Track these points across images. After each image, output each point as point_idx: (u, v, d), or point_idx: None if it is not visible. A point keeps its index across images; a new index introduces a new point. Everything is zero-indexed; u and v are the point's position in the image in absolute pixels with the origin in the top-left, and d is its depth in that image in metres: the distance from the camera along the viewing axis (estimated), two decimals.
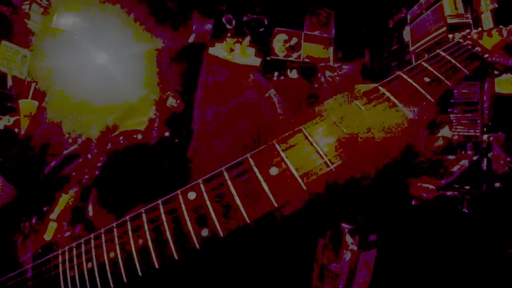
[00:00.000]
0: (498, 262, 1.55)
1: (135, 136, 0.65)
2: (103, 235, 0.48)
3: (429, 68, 0.48)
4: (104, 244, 0.47)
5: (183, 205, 0.43)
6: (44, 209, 0.61)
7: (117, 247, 0.46)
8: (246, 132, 0.72)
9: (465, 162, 1.89)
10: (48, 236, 0.58)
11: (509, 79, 2.10)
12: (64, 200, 0.61)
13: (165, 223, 0.43)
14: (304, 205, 0.44)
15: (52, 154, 0.68)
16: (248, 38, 2.80)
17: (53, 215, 0.60)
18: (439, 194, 1.73)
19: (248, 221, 0.40)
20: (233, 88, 0.77)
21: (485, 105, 2.18)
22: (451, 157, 2.03)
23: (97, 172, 0.63)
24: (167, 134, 0.65)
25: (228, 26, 2.76)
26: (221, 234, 0.41)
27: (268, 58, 2.87)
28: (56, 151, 0.68)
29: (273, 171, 0.42)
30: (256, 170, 0.42)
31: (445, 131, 2.33)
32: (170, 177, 0.62)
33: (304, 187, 0.41)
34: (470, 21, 2.17)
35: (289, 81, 2.80)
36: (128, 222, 0.47)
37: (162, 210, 0.45)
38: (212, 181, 0.44)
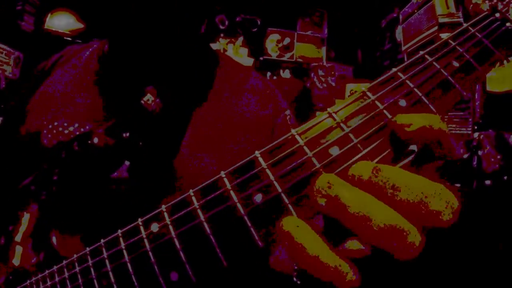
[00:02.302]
0: (488, 259, 1.56)
1: (90, 141, 0.56)
2: (65, 269, 0.44)
3: (458, 48, 0.37)
4: (68, 281, 0.43)
5: (146, 240, 0.36)
6: (10, 228, 0.56)
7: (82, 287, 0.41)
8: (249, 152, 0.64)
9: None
10: (16, 261, 0.53)
11: (499, 78, 2.11)
12: (26, 220, 0.54)
13: (128, 263, 0.37)
14: None
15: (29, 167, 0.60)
16: (241, 39, 2.80)
17: (18, 237, 0.54)
18: None
19: (225, 264, 0.32)
20: (248, 100, 0.69)
21: (477, 103, 2.19)
22: None
23: (54, 188, 0.55)
24: (125, 135, 0.57)
25: (221, 27, 2.77)
26: (193, 279, 0.33)
27: (261, 59, 2.87)
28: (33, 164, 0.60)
29: (258, 197, 0.32)
30: (235, 199, 0.33)
31: None
32: (138, 188, 0.55)
33: None
34: (462, 20, 2.19)
35: (282, 81, 2.80)
36: (89, 257, 0.41)
37: (123, 245, 0.38)
38: (179, 210, 0.35)
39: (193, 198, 0.35)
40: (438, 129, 0.30)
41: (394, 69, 0.36)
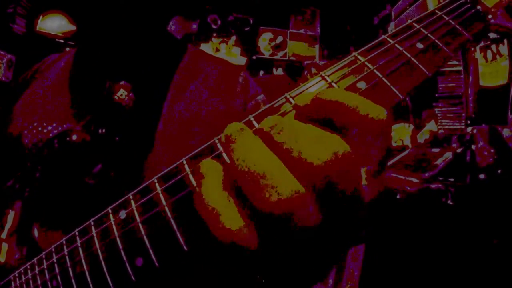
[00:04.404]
0: (483, 253, 1.56)
1: (69, 138, 0.58)
2: (44, 260, 0.44)
3: (423, 31, 0.38)
4: (46, 271, 0.44)
5: (114, 227, 0.37)
6: None
7: (58, 276, 0.42)
8: None
9: (449, 155, 1.90)
10: (2, 258, 0.54)
11: (492, 72, 2.12)
12: (11, 217, 0.56)
13: (98, 250, 0.38)
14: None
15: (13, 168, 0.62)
16: (233, 38, 2.80)
17: (3, 235, 0.55)
18: (423, 187, 1.74)
19: (186, 249, 0.32)
20: (218, 89, 0.71)
21: (470, 98, 2.20)
22: (435, 150, 2.04)
23: (36, 184, 0.57)
24: (101, 131, 0.58)
25: (214, 26, 2.77)
26: (157, 264, 0.34)
27: (254, 58, 2.88)
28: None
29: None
30: (194, 183, 0.33)
31: (431, 125, 2.35)
32: (114, 182, 0.56)
33: None
34: None
35: (274, 78, 2.80)
36: (65, 246, 0.42)
37: (94, 233, 0.39)
38: (143, 197, 0.36)
39: (156, 184, 0.35)
40: (328, 99, 0.28)
41: (354, 53, 0.36)
